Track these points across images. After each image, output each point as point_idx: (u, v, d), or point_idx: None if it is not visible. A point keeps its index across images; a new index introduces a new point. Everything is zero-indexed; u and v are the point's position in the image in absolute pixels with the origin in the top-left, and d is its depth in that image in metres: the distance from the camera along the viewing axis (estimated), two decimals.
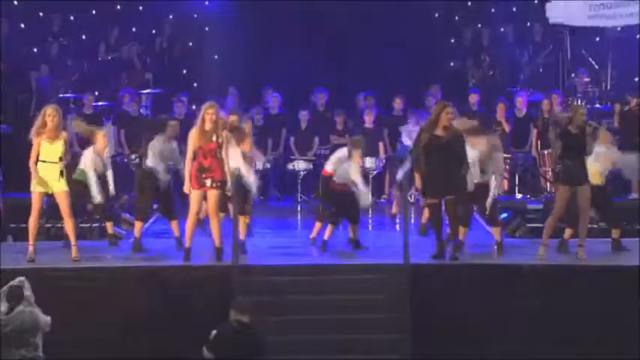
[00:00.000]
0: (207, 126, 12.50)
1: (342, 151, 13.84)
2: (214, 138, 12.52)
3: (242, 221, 13.13)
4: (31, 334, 9.69)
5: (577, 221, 12.92)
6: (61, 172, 12.55)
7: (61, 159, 12.54)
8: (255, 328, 9.67)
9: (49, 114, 12.51)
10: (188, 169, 12.61)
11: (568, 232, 13.53)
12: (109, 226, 14.17)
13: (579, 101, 18.67)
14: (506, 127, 17.64)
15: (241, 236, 13.09)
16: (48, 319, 9.86)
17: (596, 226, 15.81)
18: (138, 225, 13.69)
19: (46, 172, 12.53)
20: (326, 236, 13.60)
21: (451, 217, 12.80)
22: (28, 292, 9.89)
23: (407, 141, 16.16)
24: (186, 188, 12.65)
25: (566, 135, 12.74)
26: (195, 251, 12.78)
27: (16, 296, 9.83)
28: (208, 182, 12.52)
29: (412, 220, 15.29)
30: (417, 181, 12.85)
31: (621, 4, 17.86)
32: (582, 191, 12.67)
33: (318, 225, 13.94)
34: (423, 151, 12.60)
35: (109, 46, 20.31)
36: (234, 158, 12.90)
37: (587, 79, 19.13)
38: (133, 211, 16.26)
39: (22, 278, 9.96)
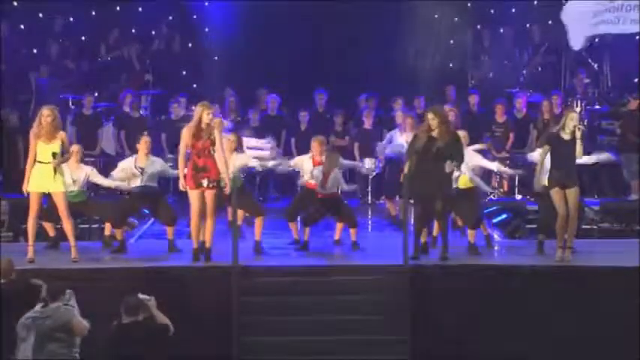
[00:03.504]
0: (204, 126, 12.51)
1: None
2: (207, 137, 12.53)
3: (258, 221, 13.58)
4: (62, 332, 9.76)
5: None
6: (55, 170, 12.52)
7: (54, 155, 12.48)
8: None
9: (45, 114, 12.52)
10: (182, 166, 12.62)
11: None
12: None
13: (579, 102, 18.65)
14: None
15: (257, 237, 13.54)
16: (85, 324, 9.90)
17: (595, 227, 15.84)
18: (117, 230, 13.66)
19: (43, 172, 12.50)
20: (354, 237, 13.69)
21: (440, 219, 12.83)
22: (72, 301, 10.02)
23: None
24: (181, 185, 12.64)
25: (556, 141, 12.67)
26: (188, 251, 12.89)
27: (52, 294, 9.94)
28: (205, 182, 12.52)
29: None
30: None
31: (625, 6, 17.56)
32: (570, 194, 12.62)
33: (339, 225, 13.97)
34: (419, 154, 12.57)
35: (108, 47, 20.31)
36: (240, 157, 13.47)
37: (586, 80, 19.11)
38: None
39: (69, 291, 10.06)
